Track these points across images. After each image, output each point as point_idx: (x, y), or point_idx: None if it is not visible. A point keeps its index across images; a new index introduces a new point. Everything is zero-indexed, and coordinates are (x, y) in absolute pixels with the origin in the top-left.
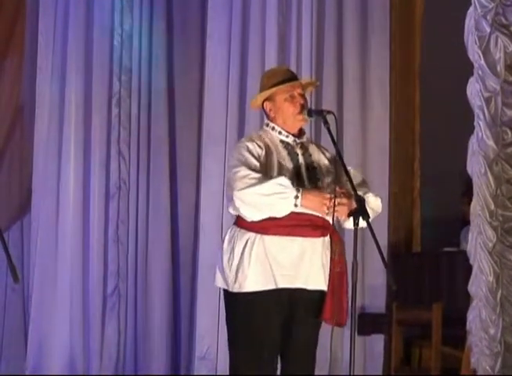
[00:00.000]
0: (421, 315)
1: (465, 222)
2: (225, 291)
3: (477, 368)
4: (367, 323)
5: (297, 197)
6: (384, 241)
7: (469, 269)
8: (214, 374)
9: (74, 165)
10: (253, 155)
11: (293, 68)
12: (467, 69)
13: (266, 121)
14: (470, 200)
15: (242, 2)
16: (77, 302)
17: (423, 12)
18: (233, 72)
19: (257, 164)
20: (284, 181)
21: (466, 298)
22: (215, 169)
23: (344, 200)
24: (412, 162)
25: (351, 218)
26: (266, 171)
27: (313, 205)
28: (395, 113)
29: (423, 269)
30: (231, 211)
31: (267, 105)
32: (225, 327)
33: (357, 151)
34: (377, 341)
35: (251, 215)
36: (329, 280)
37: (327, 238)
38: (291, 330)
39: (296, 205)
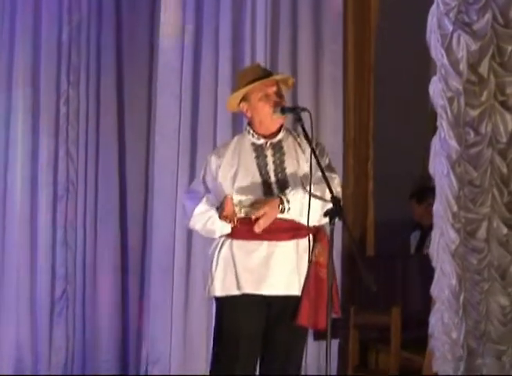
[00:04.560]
0: (379, 319)
1: (415, 224)
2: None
3: (439, 372)
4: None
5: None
6: (338, 243)
7: (423, 272)
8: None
9: (21, 166)
10: (205, 173)
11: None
12: (423, 68)
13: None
14: (419, 201)
15: None
16: (25, 307)
17: (377, 9)
18: (186, 63)
19: (201, 186)
20: (201, 208)
21: (421, 302)
22: (167, 167)
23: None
24: (366, 163)
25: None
26: (225, 179)
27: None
28: (349, 112)
29: (378, 272)
30: None
31: (243, 106)
32: (181, 330)
33: None
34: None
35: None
36: (304, 284)
37: (303, 241)
38: (269, 334)
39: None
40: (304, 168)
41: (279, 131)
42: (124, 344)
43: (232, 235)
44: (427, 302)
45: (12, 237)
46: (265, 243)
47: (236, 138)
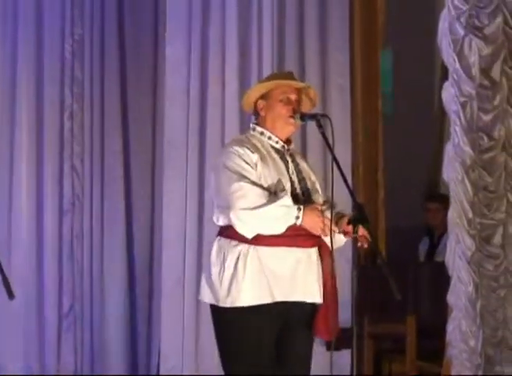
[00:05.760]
0: (394, 328)
1: (427, 229)
2: (214, 307)
3: None
4: (336, 338)
5: (297, 218)
6: (348, 253)
7: (434, 280)
8: None
9: (27, 181)
10: (248, 163)
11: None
12: (429, 75)
13: (252, 124)
14: (431, 199)
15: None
16: (32, 322)
17: (384, 19)
18: (193, 82)
19: (254, 173)
20: (287, 201)
21: (433, 310)
22: (175, 178)
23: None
24: (376, 172)
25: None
26: (263, 179)
27: (311, 226)
28: (357, 122)
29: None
30: (218, 222)
31: (260, 103)
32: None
33: (318, 162)
34: (343, 356)
35: (247, 234)
36: (323, 294)
37: (317, 248)
38: (286, 343)
39: (295, 224)
40: (315, 181)
41: (287, 141)
42: (133, 358)
43: (258, 242)
44: (439, 311)
45: (18, 252)
46: (294, 249)
47: (245, 137)
